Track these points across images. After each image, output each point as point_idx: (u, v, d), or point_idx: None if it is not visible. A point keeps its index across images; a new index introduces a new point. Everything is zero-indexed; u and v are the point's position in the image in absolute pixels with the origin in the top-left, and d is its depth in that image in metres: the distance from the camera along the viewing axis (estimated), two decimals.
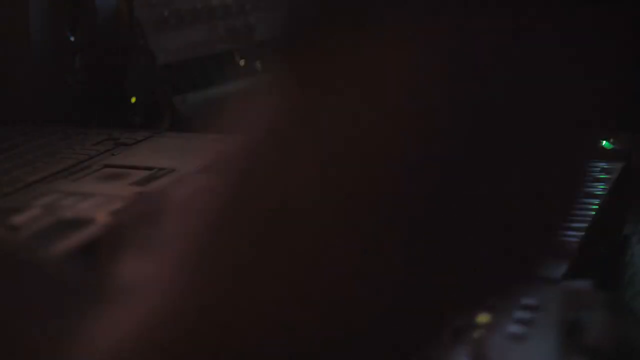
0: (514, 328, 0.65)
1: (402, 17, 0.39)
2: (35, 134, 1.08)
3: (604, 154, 1.40)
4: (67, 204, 0.84)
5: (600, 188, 1.03)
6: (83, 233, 0.73)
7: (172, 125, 1.19)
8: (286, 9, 0.41)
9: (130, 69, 1.18)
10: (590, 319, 0.64)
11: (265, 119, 0.40)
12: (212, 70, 1.29)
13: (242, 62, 1.37)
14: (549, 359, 0.63)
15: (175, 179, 0.92)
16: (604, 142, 1.48)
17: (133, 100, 1.19)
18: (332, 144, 0.39)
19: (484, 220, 0.39)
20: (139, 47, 1.19)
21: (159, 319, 0.41)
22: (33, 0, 1.10)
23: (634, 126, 0.54)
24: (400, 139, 0.38)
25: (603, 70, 0.42)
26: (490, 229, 0.40)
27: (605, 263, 0.98)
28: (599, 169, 1.12)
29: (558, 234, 0.43)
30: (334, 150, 0.38)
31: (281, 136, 0.40)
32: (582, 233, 0.87)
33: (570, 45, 0.40)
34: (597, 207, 0.95)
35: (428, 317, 0.40)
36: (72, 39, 1.14)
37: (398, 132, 0.38)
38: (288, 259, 0.39)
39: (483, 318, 0.67)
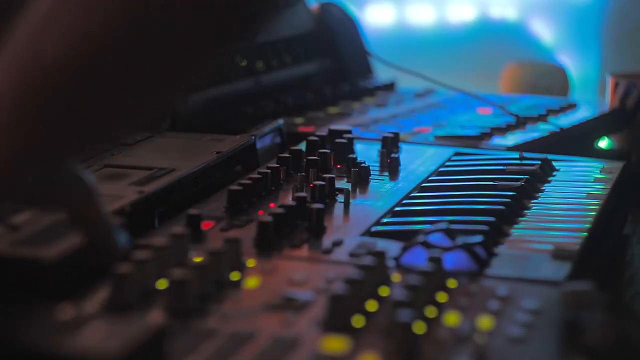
0: (514, 331, 0.66)
1: None
2: None
3: (604, 154, 1.40)
4: None
5: (600, 188, 1.03)
6: None
7: (172, 125, 1.19)
8: None
9: None
10: (590, 319, 0.64)
11: None
12: (212, 70, 1.29)
13: (242, 62, 1.37)
14: None
15: None
16: (604, 142, 1.48)
17: None
18: None
19: None
20: None
21: None
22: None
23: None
24: None
25: None
26: None
27: (605, 263, 0.98)
28: (599, 169, 1.12)
29: None
30: None
31: None
32: (584, 234, 0.87)
33: None
34: (597, 207, 0.95)
35: None
36: None
37: None
38: None
39: (485, 321, 0.67)
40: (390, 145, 1.11)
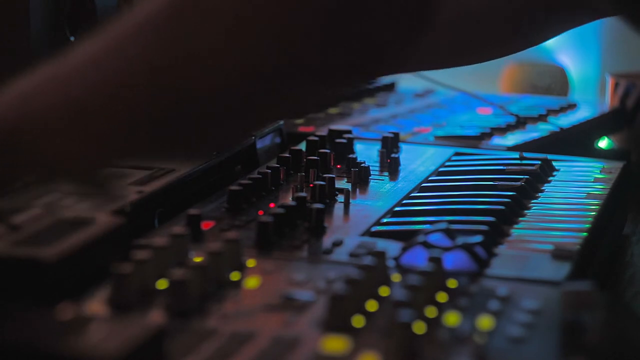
0: (514, 331, 0.66)
1: None
2: None
3: (604, 154, 1.40)
4: (67, 204, 0.84)
5: (600, 188, 1.03)
6: None
7: None
8: None
9: None
10: (590, 319, 0.64)
11: None
12: None
13: None
14: None
15: None
16: (604, 142, 1.48)
17: None
18: None
19: None
20: None
21: None
22: (33, 0, 1.10)
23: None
24: None
25: None
26: None
27: (605, 263, 0.98)
28: (599, 169, 1.12)
29: None
30: None
31: None
32: (584, 234, 0.87)
33: None
34: (597, 207, 0.95)
35: None
36: (72, 39, 1.14)
37: None
38: None
39: (485, 321, 0.67)
40: (390, 145, 1.11)
